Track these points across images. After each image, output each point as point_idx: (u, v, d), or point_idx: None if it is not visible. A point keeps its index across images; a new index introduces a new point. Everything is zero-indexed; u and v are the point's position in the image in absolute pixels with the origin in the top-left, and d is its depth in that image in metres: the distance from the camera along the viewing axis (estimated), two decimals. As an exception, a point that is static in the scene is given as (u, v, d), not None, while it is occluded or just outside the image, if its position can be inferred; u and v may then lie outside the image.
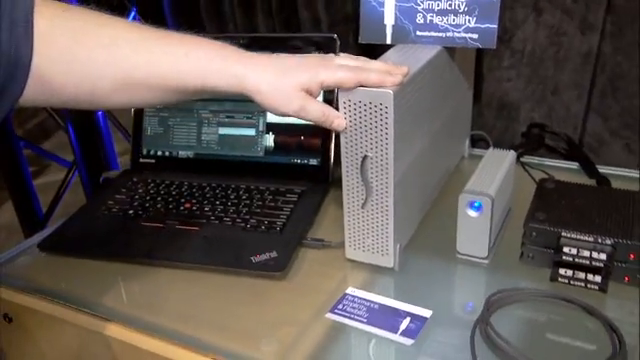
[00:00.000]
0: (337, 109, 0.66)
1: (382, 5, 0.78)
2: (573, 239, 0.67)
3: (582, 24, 0.91)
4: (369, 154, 0.68)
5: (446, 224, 0.77)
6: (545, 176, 0.87)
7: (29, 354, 0.82)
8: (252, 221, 0.82)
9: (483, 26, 0.75)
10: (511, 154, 0.80)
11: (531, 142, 0.97)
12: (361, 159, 0.69)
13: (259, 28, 1.15)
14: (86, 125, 1.12)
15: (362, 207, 0.72)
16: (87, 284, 0.75)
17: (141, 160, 0.98)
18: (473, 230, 0.73)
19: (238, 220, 0.82)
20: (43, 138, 1.29)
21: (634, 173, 0.91)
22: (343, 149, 0.70)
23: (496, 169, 0.77)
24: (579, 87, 0.96)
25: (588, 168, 0.91)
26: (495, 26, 0.75)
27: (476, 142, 1.02)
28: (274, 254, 0.76)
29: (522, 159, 0.95)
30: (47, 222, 1.23)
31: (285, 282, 0.74)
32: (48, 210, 1.23)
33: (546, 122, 1.00)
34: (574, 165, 0.95)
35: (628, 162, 0.96)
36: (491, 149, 0.82)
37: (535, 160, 0.96)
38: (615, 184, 0.86)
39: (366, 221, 0.72)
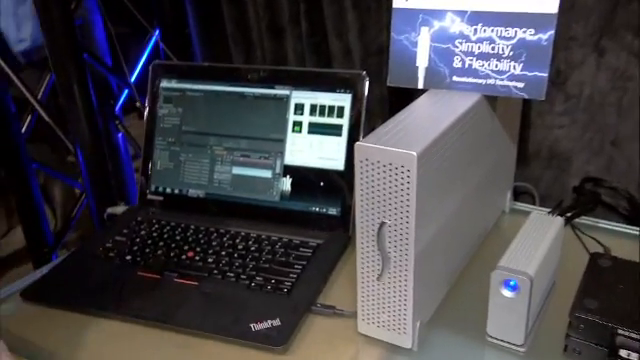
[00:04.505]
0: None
1: (415, 45, 0.69)
2: (633, 339, 0.56)
3: (651, 69, 0.79)
4: (387, 221, 0.59)
5: (478, 296, 0.66)
6: (599, 244, 0.76)
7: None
8: (258, 279, 0.73)
9: (530, 74, 0.64)
10: (558, 222, 0.69)
11: (585, 202, 0.85)
12: (378, 226, 0.59)
13: (288, 54, 1.07)
14: (99, 150, 1.06)
15: (378, 279, 0.62)
16: (65, 342, 0.68)
17: (149, 196, 0.91)
18: (507, 312, 0.62)
19: (243, 277, 0.74)
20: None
21: None
22: (358, 213, 0.60)
23: (539, 240, 0.66)
24: (644, 139, 0.83)
25: (652, 236, 0.79)
26: (545, 75, 0.64)
27: (519, 195, 0.91)
28: (277, 322, 0.67)
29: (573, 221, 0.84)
30: (54, 251, 1.18)
31: (287, 357, 0.65)
32: (56, 239, 1.18)
33: (603, 176, 0.88)
34: (637, 230, 0.82)
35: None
36: (534, 214, 0.71)
37: (589, 222, 0.84)
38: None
39: (382, 295, 0.63)
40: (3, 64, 1.02)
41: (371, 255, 0.61)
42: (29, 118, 1.12)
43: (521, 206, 0.89)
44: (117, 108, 1.22)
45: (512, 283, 0.61)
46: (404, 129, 0.60)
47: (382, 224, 0.59)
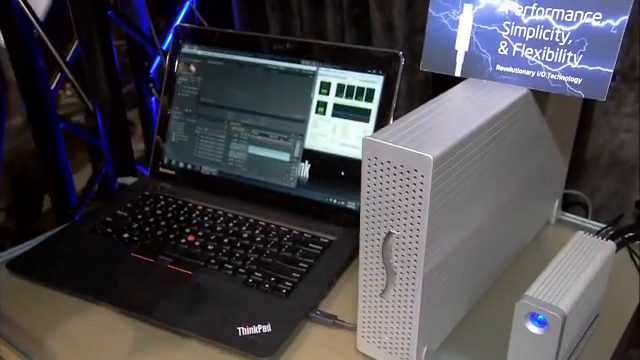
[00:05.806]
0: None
1: (455, 25, 0.58)
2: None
3: None
4: (394, 231, 0.50)
5: (502, 322, 0.56)
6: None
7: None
8: (257, 274, 0.66)
9: (591, 68, 0.53)
10: (608, 247, 0.58)
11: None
12: (384, 235, 0.51)
13: (327, 24, 0.98)
14: (119, 114, 1.00)
15: (381, 296, 0.54)
16: (39, 320, 0.63)
17: (161, 169, 0.85)
18: (532, 350, 0.53)
19: (241, 270, 0.67)
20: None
21: None
22: (363, 218, 0.52)
23: (580, 268, 0.55)
24: None
25: None
26: (610, 71, 0.53)
27: (570, 205, 0.79)
28: (268, 328, 0.60)
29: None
30: (78, 212, 1.15)
31: (274, 368, 0.58)
32: (80, 201, 1.15)
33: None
34: None
35: None
36: (579, 234, 0.59)
37: (649, 244, 0.72)
38: None
39: (385, 313, 0.54)
40: (30, 15, 0.98)
41: (375, 267, 0.53)
42: (58, 76, 1.08)
43: (570, 217, 0.77)
44: (152, 71, 1.16)
45: (540, 318, 0.51)
46: (426, 125, 0.51)
47: (389, 234, 0.50)
